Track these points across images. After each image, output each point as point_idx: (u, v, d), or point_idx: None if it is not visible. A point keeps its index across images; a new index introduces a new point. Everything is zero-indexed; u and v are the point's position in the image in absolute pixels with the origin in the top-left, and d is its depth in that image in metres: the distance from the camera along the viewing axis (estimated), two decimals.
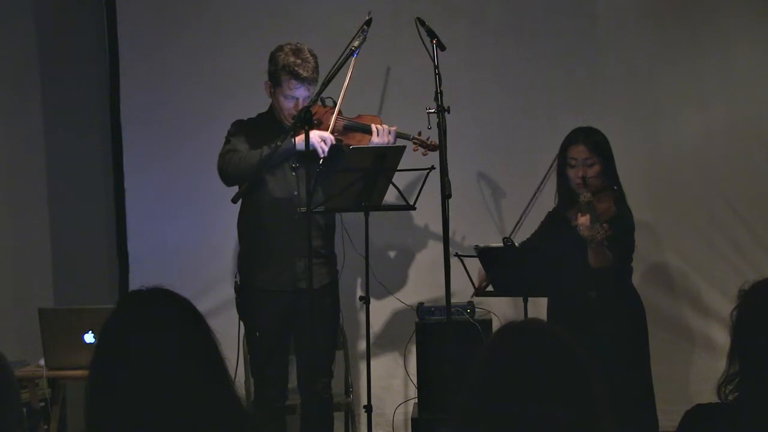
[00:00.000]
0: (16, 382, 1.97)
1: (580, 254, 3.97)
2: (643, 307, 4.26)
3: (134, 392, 1.79)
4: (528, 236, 4.33)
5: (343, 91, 4.20)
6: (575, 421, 1.69)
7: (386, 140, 4.25)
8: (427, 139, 4.27)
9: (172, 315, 1.88)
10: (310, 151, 3.99)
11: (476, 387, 1.76)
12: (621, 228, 4.08)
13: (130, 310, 1.90)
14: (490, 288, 4.19)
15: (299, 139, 4.11)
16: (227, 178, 4.25)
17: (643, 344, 4.23)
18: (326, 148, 4.12)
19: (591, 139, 4.19)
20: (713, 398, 2.14)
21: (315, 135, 4.12)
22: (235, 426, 1.84)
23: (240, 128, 4.33)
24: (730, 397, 2.11)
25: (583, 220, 3.92)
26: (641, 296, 4.34)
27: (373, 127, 4.26)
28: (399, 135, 4.29)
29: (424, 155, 4.29)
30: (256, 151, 4.18)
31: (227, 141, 4.29)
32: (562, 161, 4.22)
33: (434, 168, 4.07)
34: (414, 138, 4.30)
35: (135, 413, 1.78)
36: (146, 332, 1.84)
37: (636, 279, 4.59)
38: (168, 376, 1.80)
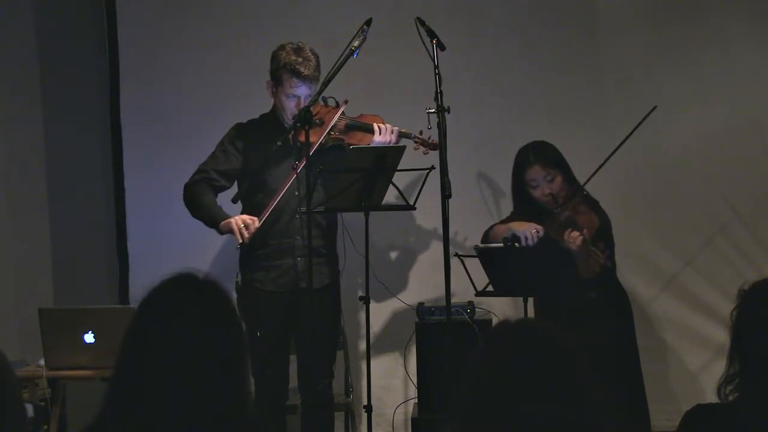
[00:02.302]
0: (17, 380, 1.97)
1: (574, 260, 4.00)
2: (629, 301, 4.28)
3: (158, 378, 1.80)
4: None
5: (345, 99, 4.21)
6: (572, 420, 1.69)
7: (388, 139, 4.25)
8: (428, 138, 4.27)
9: (215, 311, 1.88)
10: (221, 231, 4.21)
11: (473, 387, 1.76)
12: (607, 233, 4.11)
13: (180, 296, 1.89)
14: (490, 288, 4.19)
15: (224, 223, 4.18)
16: (184, 200, 4.37)
17: (632, 338, 4.26)
18: (246, 235, 4.12)
19: (543, 156, 4.21)
20: (713, 398, 2.14)
21: (238, 220, 4.15)
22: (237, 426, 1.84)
23: (237, 134, 4.35)
24: (731, 398, 2.11)
25: (575, 235, 3.95)
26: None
27: (375, 126, 4.27)
28: (401, 134, 4.30)
29: (425, 154, 4.29)
30: (204, 205, 4.27)
31: (213, 154, 4.35)
32: (520, 184, 4.24)
33: (434, 168, 4.07)
34: (415, 137, 4.30)
35: (153, 401, 1.79)
36: (186, 322, 1.84)
37: (635, 279, 4.61)
38: (192, 368, 1.81)
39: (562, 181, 4.20)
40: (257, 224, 4.14)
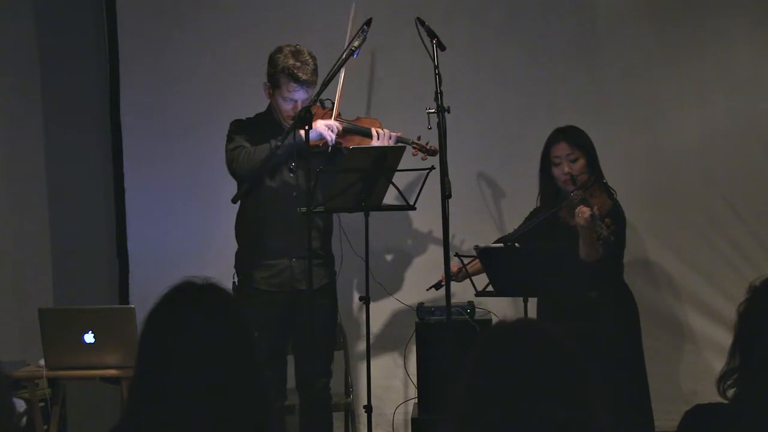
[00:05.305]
0: (6, 377, 1.98)
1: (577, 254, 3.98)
2: (635, 303, 4.27)
3: (178, 386, 1.82)
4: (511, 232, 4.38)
5: (337, 96, 4.20)
6: (571, 421, 1.69)
7: (386, 145, 4.24)
8: (427, 143, 4.28)
9: (224, 315, 1.92)
10: (311, 147, 3.99)
11: (471, 387, 1.76)
12: (617, 220, 4.09)
13: (181, 303, 1.92)
14: (490, 288, 4.19)
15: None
16: (239, 174, 4.20)
17: (637, 341, 4.24)
18: (333, 136, 4.12)
19: (571, 136, 4.23)
20: (712, 398, 2.14)
21: (321, 123, 4.13)
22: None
23: (239, 127, 4.32)
24: (729, 392, 2.10)
25: (584, 210, 3.92)
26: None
27: (374, 131, 4.26)
28: (399, 140, 4.29)
29: (423, 160, 4.30)
30: (265, 145, 4.14)
31: (230, 139, 4.25)
32: (546, 162, 4.25)
33: (434, 168, 4.07)
34: (414, 142, 4.31)
35: (176, 408, 1.81)
36: (196, 328, 1.87)
37: (635, 279, 4.59)
38: (211, 374, 1.83)
39: (584, 164, 4.19)
40: (338, 125, 4.18)
